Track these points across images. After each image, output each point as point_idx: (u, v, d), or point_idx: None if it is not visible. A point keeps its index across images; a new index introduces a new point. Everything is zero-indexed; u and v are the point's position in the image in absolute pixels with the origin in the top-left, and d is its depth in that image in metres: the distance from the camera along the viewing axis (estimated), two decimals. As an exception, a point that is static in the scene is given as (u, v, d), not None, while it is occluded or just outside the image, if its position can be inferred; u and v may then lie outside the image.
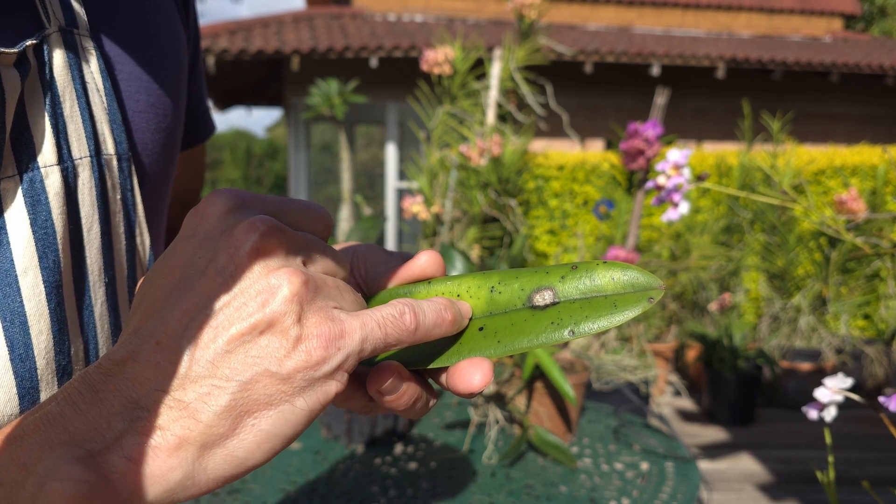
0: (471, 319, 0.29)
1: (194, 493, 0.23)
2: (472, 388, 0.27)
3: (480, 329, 0.29)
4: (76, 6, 0.36)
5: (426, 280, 0.31)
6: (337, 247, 0.37)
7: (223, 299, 0.23)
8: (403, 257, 0.33)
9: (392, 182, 5.88)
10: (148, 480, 0.22)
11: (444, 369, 0.29)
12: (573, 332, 0.27)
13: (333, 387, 0.24)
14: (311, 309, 0.24)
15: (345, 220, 4.07)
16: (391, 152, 5.86)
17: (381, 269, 0.32)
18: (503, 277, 0.29)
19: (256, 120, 53.04)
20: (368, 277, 0.32)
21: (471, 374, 0.27)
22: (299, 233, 0.26)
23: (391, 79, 5.51)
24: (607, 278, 0.28)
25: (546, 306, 0.28)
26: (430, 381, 0.31)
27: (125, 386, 0.22)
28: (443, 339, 0.29)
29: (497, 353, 0.28)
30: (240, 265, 0.23)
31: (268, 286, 0.23)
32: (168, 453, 0.22)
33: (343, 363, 0.24)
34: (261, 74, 6.55)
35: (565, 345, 1.25)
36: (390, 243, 5.89)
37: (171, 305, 0.23)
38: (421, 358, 0.29)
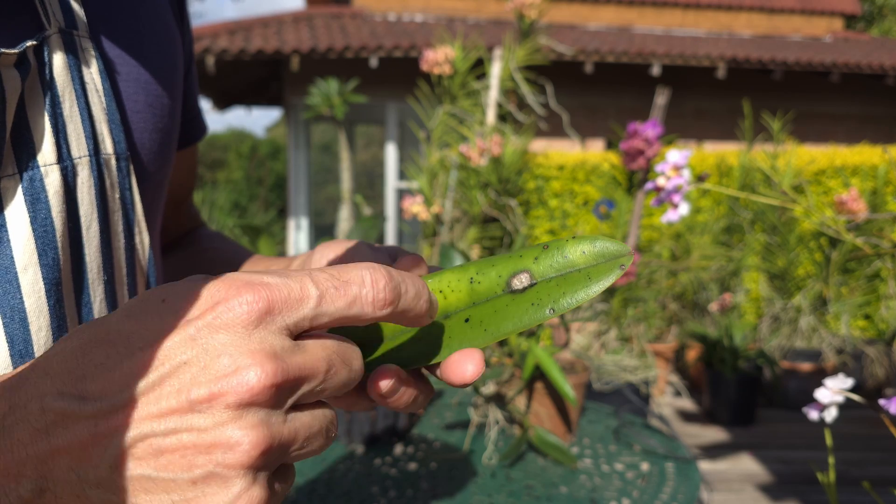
0: (457, 312, 0.30)
1: None
2: (466, 379, 0.28)
3: (466, 321, 0.30)
4: (76, 8, 0.36)
5: None
6: (321, 248, 0.37)
7: (175, 428, 0.22)
8: (391, 254, 0.34)
9: (392, 182, 5.88)
10: None
11: (438, 364, 0.30)
12: (553, 310, 0.28)
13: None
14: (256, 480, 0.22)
15: (345, 220, 4.07)
16: (391, 152, 5.86)
17: None
18: (480, 267, 0.30)
19: (255, 120, 53.11)
20: None
21: (463, 365, 0.28)
22: (309, 362, 0.23)
23: (391, 79, 5.51)
24: (578, 252, 0.29)
25: (525, 289, 0.29)
26: (426, 373, 0.31)
27: (44, 451, 0.22)
28: (434, 335, 0.30)
29: (485, 341, 0.29)
30: (213, 410, 0.22)
31: (223, 440, 0.21)
32: None
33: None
34: (260, 74, 6.55)
35: (566, 344, 1.25)
36: (390, 244, 5.89)
37: (128, 395, 0.22)
38: (416, 357, 0.30)
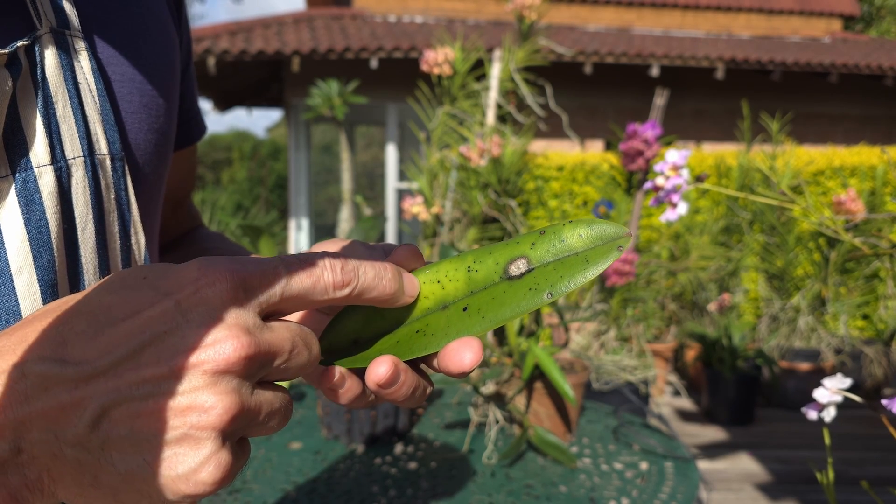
0: (455, 301, 0.30)
1: None
2: (464, 368, 0.28)
3: (465, 309, 0.29)
4: (67, 7, 0.36)
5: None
6: (317, 247, 0.38)
7: (153, 392, 0.23)
8: (385, 250, 0.34)
9: (392, 182, 5.88)
10: None
11: (435, 354, 0.29)
12: (551, 294, 0.28)
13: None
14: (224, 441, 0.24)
15: (345, 220, 4.07)
16: (391, 153, 5.86)
17: None
18: (477, 256, 0.30)
19: (255, 121, 53.08)
20: None
21: (461, 354, 0.28)
22: (277, 340, 0.25)
23: (391, 79, 5.51)
24: (575, 236, 0.29)
25: (522, 275, 0.29)
26: (424, 367, 0.31)
27: (23, 415, 0.22)
28: (432, 325, 0.30)
29: (483, 328, 0.29)
30: (191, 376, 0.23)
31: (198, 403, 0.23)
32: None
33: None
34: (261, 75, 6.55)
35: (565, 344, 1.25)
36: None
37: (109, 361, 0.23)
38: (413, 347, 0.29)
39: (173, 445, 0.23)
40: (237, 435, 0.25)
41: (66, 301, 0.25)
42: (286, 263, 0.26)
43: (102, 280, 0.25)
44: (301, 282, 0.26)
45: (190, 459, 0.23)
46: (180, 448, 0.23)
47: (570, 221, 0.29)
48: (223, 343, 0.23)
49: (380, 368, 0.28)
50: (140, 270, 0.25)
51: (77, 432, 0.23)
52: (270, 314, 0.26)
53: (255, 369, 0.24)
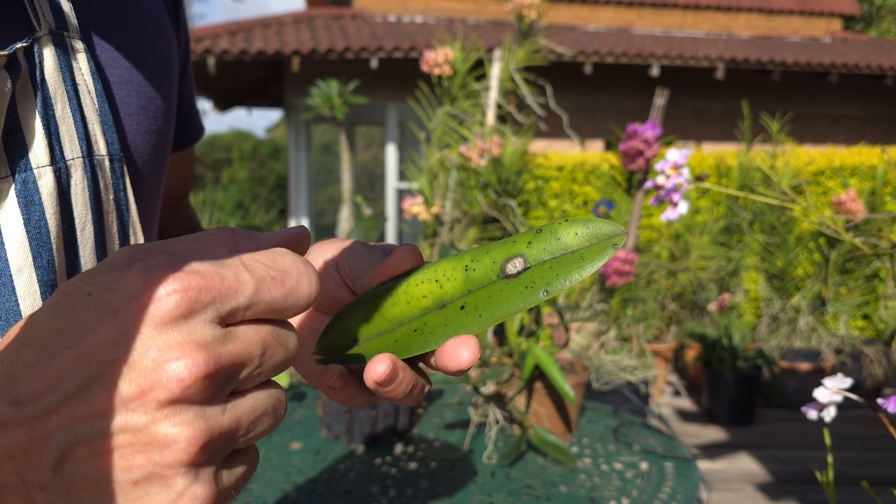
0: (453, 300, 0.30)
1: None
2: (462, 366, 0.28)
3: (462, 308, 0.30)
4: (66, 9, 0.36)
5: (406, 272, 0.32)
6: (317, 247, 0.37)
7: (108, 428, 0.21)
8: (385, 251, 0.34)
9: (392, 182, 5.88)
10: None
11: (433, 352, 0.30)
12: (547, 293, 0.29)
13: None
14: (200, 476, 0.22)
15: (345, 220, 4.07)
16: (391, 153, 5.86)
17: (363, 267, 0.33)
18: (475, 255, 0.30)
19: (254, 121, 53.14)
20: (353, 276, 0.33)
21: (458, 351, 0.28)
22: (241, 348, 0.23)
23: (391, 79, 5.51)
24: (571, 234, 0.29)
25: (518, 273, 0.29)
26: (422, 365, 0.32)
27: None
28: (430, 324, 0.30)
29: (480, 326, 0.29)
30: (145, 408, 0.21)
31: (158, 438, 0.21)
32: None
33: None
34: (261, 75, 6.55)
35: (565, 344, 1.25)
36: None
37: (59, 396, 0.21)
38: (411, 346, 0.30)
39: (142, 485, 0.21)
40: (216, 459, 0.22)
41: (24, 326, 0.23)
42: (252, 270, 0.23)
43: (51, 298, 0.23)
44: (270, 292, 0.23)
45: (160, 499, 0.21)
46: (150, 487, 0.21)
47: (567, 220, 0.30)
48: (174, 364, 0.21)
49: (378, 367, 0.28)
50: (85, 284, 0.22)
51: (40, 476, 0.21)
52: (237, 320, 0.23)
53: (219, 386, 0.22)
